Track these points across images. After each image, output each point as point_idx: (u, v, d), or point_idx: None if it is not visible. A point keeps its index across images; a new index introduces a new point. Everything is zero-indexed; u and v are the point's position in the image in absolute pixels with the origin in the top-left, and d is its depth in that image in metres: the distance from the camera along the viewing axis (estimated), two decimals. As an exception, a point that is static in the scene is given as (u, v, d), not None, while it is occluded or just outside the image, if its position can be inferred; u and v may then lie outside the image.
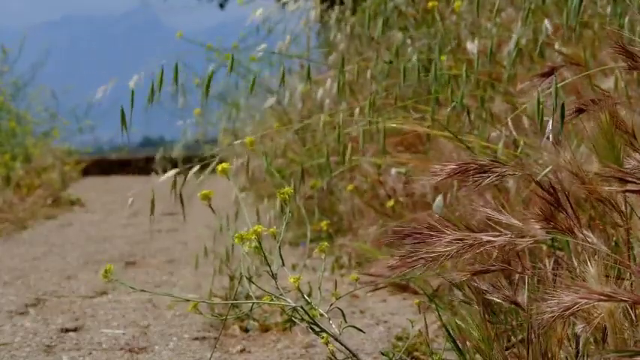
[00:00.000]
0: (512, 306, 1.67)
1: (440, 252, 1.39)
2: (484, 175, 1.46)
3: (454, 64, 2.85)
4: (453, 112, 2.60)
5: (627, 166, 1.38)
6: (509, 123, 2.32)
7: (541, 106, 1.70)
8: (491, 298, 1.59)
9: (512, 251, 1.45)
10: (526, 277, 1.57)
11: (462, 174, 1.46)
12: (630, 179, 1.32)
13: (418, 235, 1.42)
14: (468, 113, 2.33)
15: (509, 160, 2.08)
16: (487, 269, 1.50)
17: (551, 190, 1.40)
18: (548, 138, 1.63)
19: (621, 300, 1.25)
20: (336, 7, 3.98)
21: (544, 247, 2.09)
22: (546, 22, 2.52)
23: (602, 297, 1.25)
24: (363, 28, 3.37)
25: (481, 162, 1.47)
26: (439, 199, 2.25)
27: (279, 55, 4.60)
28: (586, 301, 1.25)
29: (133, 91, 1.94)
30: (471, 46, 2.72)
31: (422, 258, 1.40)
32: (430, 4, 2.77)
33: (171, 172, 2.36)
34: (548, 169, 1.49)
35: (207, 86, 2.17)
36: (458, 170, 1.47)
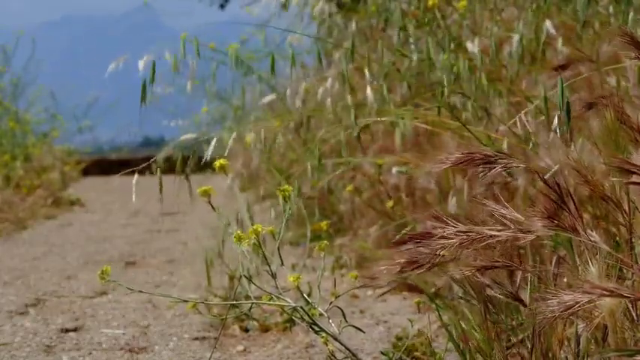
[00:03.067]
0: (513, 306, 1.67)
1: (441, 245, 1.38)
2: (490, 165, 1.45)
3: (455, 62, 2.85)
4: (456, 110, 2.60)
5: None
6: (516, 118, 2.31)
7: (548, 103, 1.70)
8: (494, 294, 1.58)
9: (514, 247, 1.44)
10: (528, 275, 1.56)
11: (467, 163, 1.45)
12: (635, 170, 1.31)
13: (419, 238, 1.41)
14: (473, 107, 2.33)
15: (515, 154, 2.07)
16: (492, 265, 1.48)
17: (556, 188, 1.39)
18: (555, 132, 1.62)
19: (624, 296, 1.25)
20: (335, 6, 3.98)
21: (546, 247, 2.09)
22: (547, 22, 2.52)
23: (604, 292, 1.24)
24: (364, 27, 3.37)
25: (487, 152, 1.46)
26: (453, 200, 2.24)
27: (279, 55, 4.59)
28: (588, 297, 1.24)
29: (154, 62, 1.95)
30: (471, 47, 2.72)
31: (423, 262, 1.39)
32: (430, 2, 2.76)
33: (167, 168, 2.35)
34: (556, 168, 1.49)
35: (213, 79, 2.18)
36: (463, 159, 1.45)
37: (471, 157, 1.45)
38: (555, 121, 1.63)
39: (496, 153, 1.46)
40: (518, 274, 1.56)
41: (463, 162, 1.45)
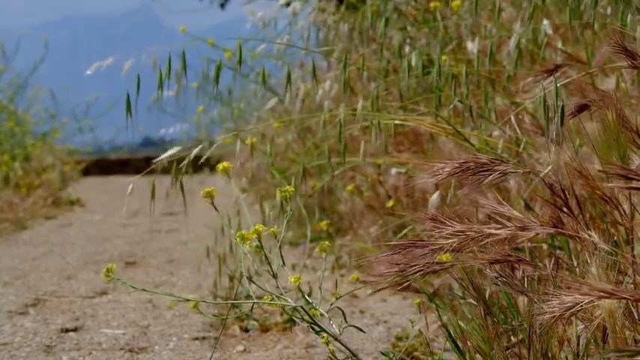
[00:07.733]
0: (513, 306, 1.67)
1: (441, 244, 1.38)
2: (485, 173, 1.45)
3: (454, 63, 2.85)
4: (454, 112, 2.59)
5: (633, 164, 1.38)
6: (513, 120, 2.32)
7: (546, 105, 1.70)
8: (499, 289, 1.57)
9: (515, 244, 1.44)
10: (535, 273, 1.56)
11: (462, 173, 1.45)
12: (634, 176, 1.31)
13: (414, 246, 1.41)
14: (471, 111, 2.33)
15: (510, 158, 2.08)
16: (504, 259, 1.48)
17: (560, 192, 1.39)
18: (552, 138, 1.62)
19: (623, 297, 1.25)
20: (334, 6, 3.98)
21: (544, 247, 2.09)
22: (545, 22, 2.52)
23: (603, 294, 1.24)
24: (363, 27, 3.37)
25: (482, 160, 1.46)
26: (436, 195, 2.25)
27: (280, 55, 4.59)
28: (588, 298, 1.24)
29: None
30: (471, 46, 2.72)
31: (422, 250, 1.39)
32: (432, 4, 2.77)
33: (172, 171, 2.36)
34: (549, 168, 1.49)
35: (217, 77, 2.18)
36: (459, 169, 1.46)
37: (466, 167, 1.45)
38: (553, 123, 1.63)
39: (492, 160, 1.46)
40: (527, 271, 1.56)
41: (458, 172, 1.45)
